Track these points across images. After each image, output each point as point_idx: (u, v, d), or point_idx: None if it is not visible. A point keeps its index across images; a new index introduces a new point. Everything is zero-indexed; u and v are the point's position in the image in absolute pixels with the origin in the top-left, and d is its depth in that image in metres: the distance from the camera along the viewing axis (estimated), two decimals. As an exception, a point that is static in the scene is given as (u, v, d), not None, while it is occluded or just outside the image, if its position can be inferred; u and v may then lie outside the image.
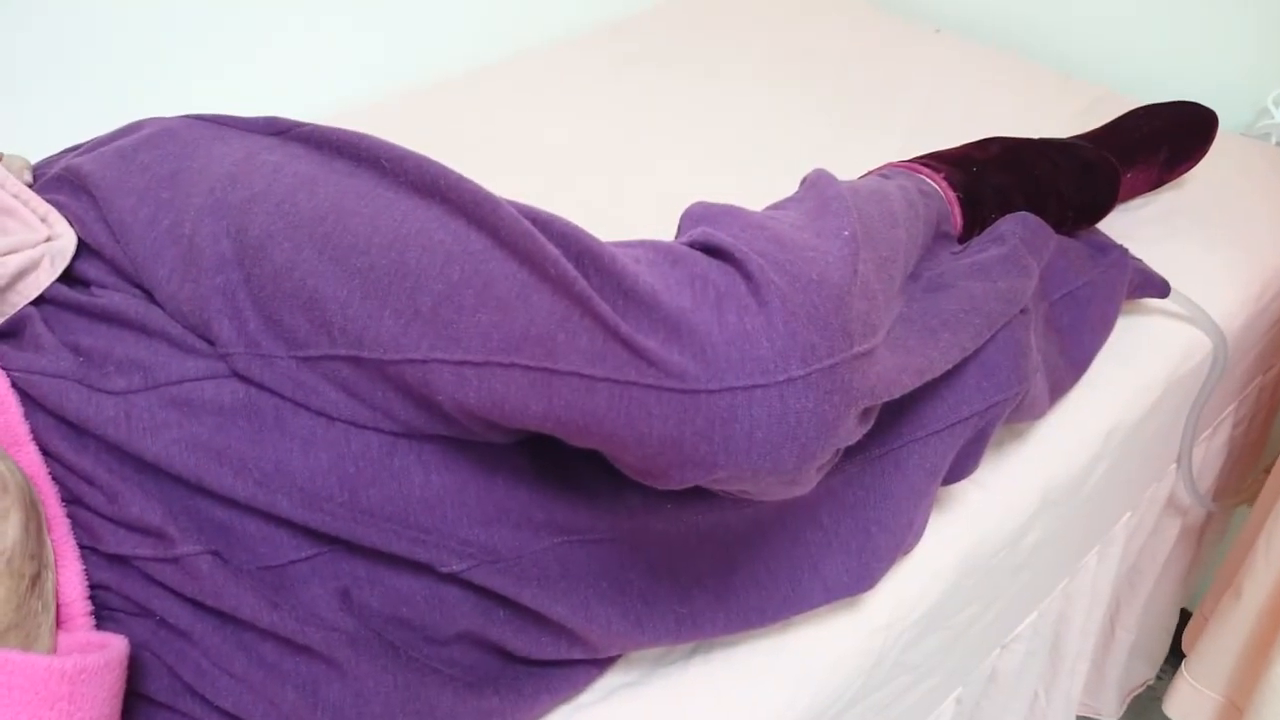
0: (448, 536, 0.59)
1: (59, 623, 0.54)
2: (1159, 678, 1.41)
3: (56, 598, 0.54)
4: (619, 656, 0.70)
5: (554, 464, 0.62)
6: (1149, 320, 0.98)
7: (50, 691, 0.48)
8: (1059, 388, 0.86)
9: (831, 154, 1.17)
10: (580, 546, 0.63)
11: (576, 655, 0.66)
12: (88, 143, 0.71)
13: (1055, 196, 0.90)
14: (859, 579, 0.71)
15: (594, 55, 1.42)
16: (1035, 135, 0.97)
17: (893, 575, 0.76)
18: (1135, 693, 1.39)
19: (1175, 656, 1.30)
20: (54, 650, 0.52)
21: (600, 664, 0.69)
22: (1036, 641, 1.03)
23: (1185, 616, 1.35)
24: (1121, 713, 1.38)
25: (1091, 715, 1.35)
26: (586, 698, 0.69)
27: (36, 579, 0.52)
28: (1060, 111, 1.25)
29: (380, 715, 0.58)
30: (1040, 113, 1.25)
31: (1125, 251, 0.92)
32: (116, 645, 0.53)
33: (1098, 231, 0.96)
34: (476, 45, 1.44)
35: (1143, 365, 0.94)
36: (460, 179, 0.57)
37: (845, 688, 0.74)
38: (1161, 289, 0.94)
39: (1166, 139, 1.04)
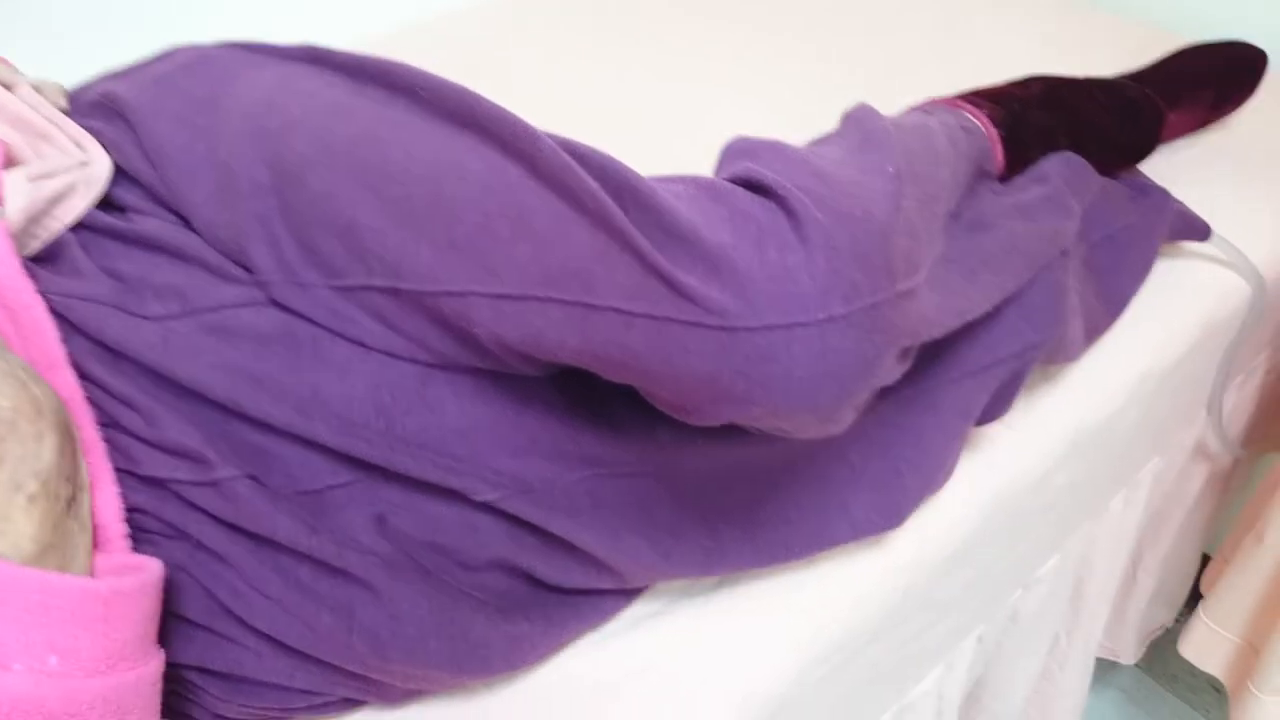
0: (480, 466, 0.59)
1: (96, 545, 0.55)
2: (1177, 621, 1.42)
3: (93, 520, 0.55)
4: (646, 587, 0.71)
5: (586, 397, 0.62)
6: (1187, 263, 0.96)
7: (86, 613, 0.49)
8: (1094, 330, 0.85)
9: (873, 90, 1.15)
10: (610, 479, 0.63)
11: (605, 585, 0.67)
12: (123, 69, 0.70)
13: (1097, 136, 0.89)
14: (887, 517, 0.71)
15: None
16: (1081, 74, 0.95)
17: (919, 513, 0.76)
18: (1154, 636, 1.40)
19: (1194, 602, 1.30)
20: (91, 572, 0.53)
21: (628, 594, 0.70)
22: (1059, 583, 1.03)
23: (1205, 561, 1.36)
24: (1140, 655, 1.39)
25: (1110, 657, 1.36)
26: (613, 626, 0.71)
27: (73, 501, 0.52)
28: (1108, 51, 1.22)
29: (414, 638, 0.59)
30: (1087, 52, 1.22)
31: (1166, 194, 0.90)
32: (152, 568, 0.54)
33: (1139, 173, 0.95)
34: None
35: (1179, 309, 0.93)
36: (497, 109, 0.56)
37: (868, 623, 0.75)
38: (1202, 233, 0.92)
39: (1213, 79, 1.01)
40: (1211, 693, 1.48)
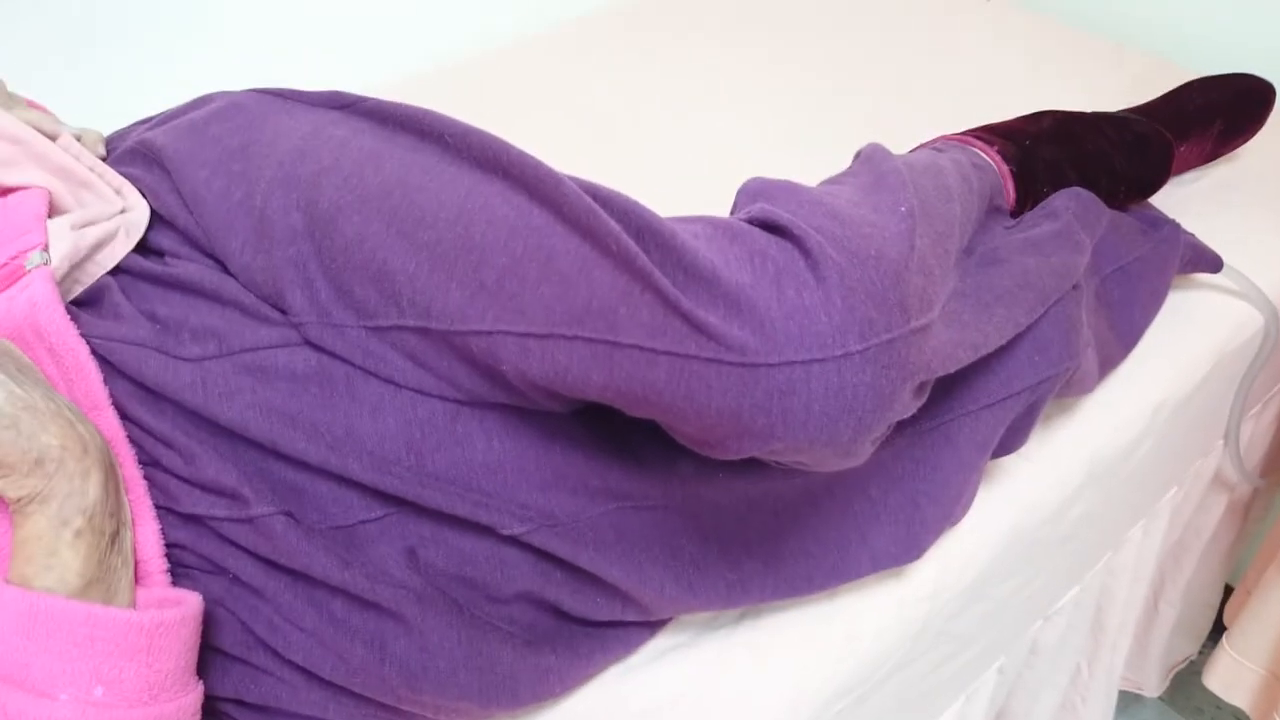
0: (508, 500, 0.60)
1: (137, 579, 0.57)
2: (1201, 653, 1.41)
3: (135, 555, 0.57)
4: (670, 619, 0.72)
5: (610, 433, 0.63)
6: (1200, 295, 0.97)
7: (130, 644, 0.51)
8: (1108, 363, 0.86)
9: (883, 127, 1.17)
10: (634, 513, 0.64)
11: (630, 617, 0.68)
12: (158, 116, 0.73)
13: (1107, 171, 0.90)
14: (906, 549, 0.72)
15: (647, 26, 1.42)
16: (1088, 108, 0.97)
17: (938, 545, 0.77)
18: (1178, 668, 1.39)
19: (1217, 633, 1.30)
20: (133, 605, 0.54)
21: (652, 626, 0.71)
22: (1078, 614, 1.03)
23: (1229, 592, 1.35)
24: (1164, 688, 1.38)
25: (1134, 690, 1.35)
26: (637, 659, 0.71)
27: (116, 536, 0.54)
28: (1114, 83, 1.24)
29: (444, 670, 0.60)
30: (1094, 84, 1.24)
31: (1178, 227, 0.91)
32: (191, 601, 0.56)
33: (1150, 206, 0.96)
34: (528, 13, 1.44)
35: (1192, 340, 0.94)
36: (522, 155, 0.58)
37: (889, 655, 0.75)
38: (1214, 264, 0.93)
39: (1221, 112, 1.03)
40: (1237, 725, 1.47)
